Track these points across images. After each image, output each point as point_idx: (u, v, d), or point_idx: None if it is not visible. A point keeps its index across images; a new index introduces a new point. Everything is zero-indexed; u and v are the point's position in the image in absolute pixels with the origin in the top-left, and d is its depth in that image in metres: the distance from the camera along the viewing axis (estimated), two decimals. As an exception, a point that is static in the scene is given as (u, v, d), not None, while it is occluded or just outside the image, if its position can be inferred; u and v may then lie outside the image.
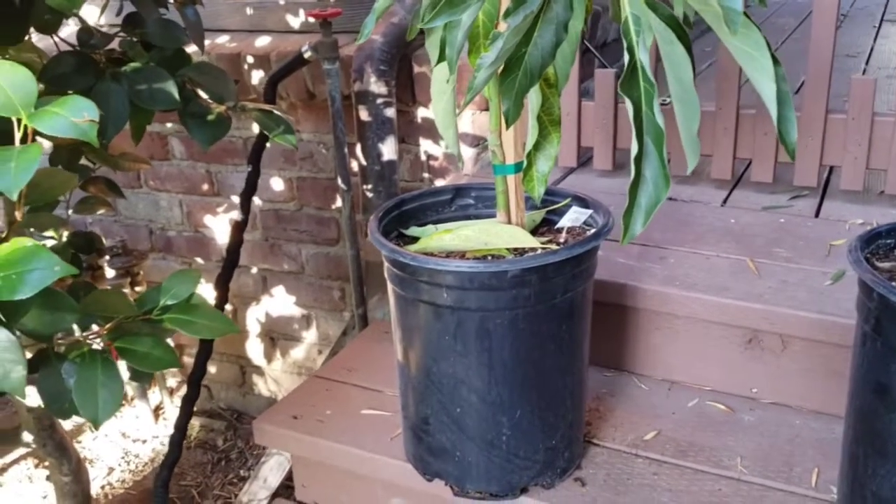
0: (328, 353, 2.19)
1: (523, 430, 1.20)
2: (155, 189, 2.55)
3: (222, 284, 1.77)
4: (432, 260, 1.11)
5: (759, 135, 1.79)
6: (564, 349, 1.20)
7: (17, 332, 0.86)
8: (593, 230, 1.23)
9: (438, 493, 1.27)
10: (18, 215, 0.86)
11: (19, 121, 0.80)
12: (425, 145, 2.12)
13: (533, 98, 1.04)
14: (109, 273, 2.55)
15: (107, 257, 2.50)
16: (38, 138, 0.88)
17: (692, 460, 1.31)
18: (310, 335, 2.50)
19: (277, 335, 2.56)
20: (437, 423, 1.22)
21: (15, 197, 0.74)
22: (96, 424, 0.97)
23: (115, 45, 1.27)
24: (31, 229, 1.00)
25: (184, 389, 2.78)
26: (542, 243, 1.19)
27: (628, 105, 0.72)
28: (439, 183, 2.14)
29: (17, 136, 0.81)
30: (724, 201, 1.79)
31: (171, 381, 2.79)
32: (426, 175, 2.15)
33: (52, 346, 1.01)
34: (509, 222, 1.23)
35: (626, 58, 0.73)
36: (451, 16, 0.74)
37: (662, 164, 0.72)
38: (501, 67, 0.93)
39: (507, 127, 0.97)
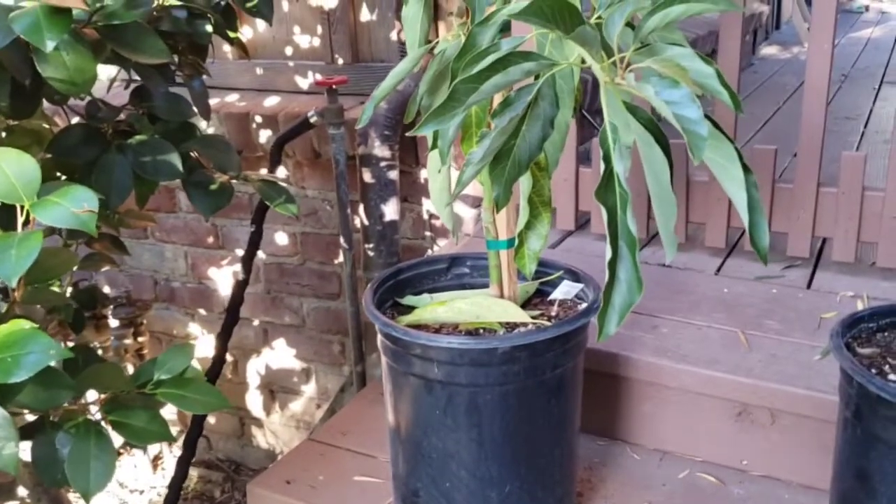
0: (326, 408, 2.20)
1: (511, 502, 1.21)
2: (161, 241, 2.59)
3: (222, 342, 1.80)
4: (423, 335, 1.13)
5: (753, 204, 1.82)
6: (554, 423, 1.21)
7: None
8: (583, 305, 1.25)
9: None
10: (17, 295, 0.89)
11: (22, 207, 0.84)
12: (427, 205, 2.15)
13: (523, 182, 1.07)
14: (113, 323, 2.58)
15: (111, 307, 2.53)
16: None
17: (681, 535, 1.32)
18: (309, 389, 2.51)
19: (277, 388, 2.57)
20: (427, 496, 1.23)
21: (14, 284, 0.77)
22: (87, 497, 0.99)
23: (122, 116, 1.32)
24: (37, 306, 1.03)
25: (183, 438, 2.80)
26: (534, 317, 1.22)
27: (603, 212, 0.75)
28: (441, 242, 2.17)
29: (20, 220, 0.84)
30: (718, 270, 1.81)
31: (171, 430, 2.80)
32: (428, 233, 2.18)
33: (48, 415, 1.03)
34: (502, 295, 1.25)
35: (602, 166, 0.76)
36: (439, 124, 0.77)
37: (636, 267, 0.74)
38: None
39: (498, 211, 1.00)
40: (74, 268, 1.75)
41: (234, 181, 1.33)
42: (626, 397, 1.53)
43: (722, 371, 1.43)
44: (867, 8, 6.56)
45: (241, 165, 1.36)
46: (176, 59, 1.34)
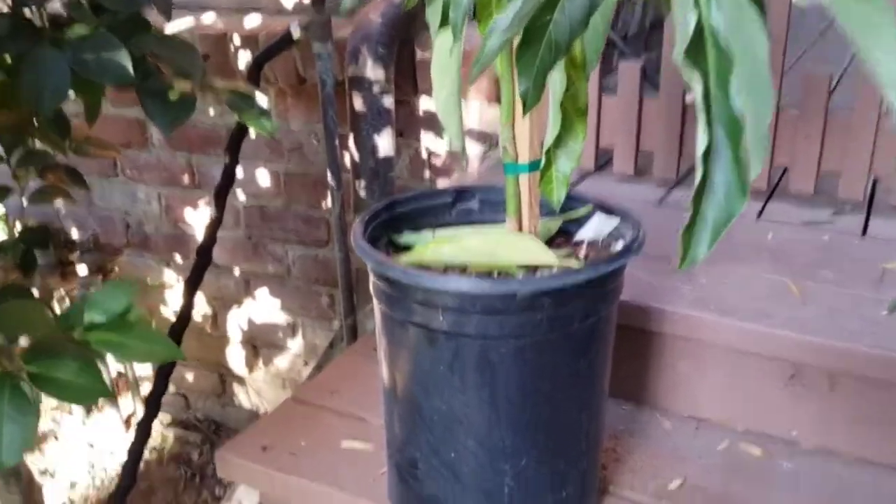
0: (314, 366, 2.00)
1: (529, 480, 1.00)
2: (132, 179, 2.36)
3: (190, 288, 1.58)
4: (427, 276, 0.91)
5: (800, 139, 1.60)
6: (581, 384, 1.00)
7: None
8: (621, 244, 1.03)
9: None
10: None
11: None
12: (427, 140, 1.93)
13: (557, 80, 0.85)
14: (81, 270, 2.36)
15: (77, 252, 2.31)
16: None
17: (725, 517, 1.12)
18: (295, 345, 2.30)
19: (260, 343, 2.37)
20: (427, 467, 1.02)
21: None
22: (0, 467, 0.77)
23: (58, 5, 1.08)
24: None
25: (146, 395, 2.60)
26: (560, 257, 1.00)
27: (695, 82, 0.52)
28: (442, 184, 1.94)
29: None
30: (759, 214, 1.59)
31: (147, 386, 2.59)
32: (427, 174, 1.96)
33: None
34: (521, 231, 1.03)
35: (690, 19, 0.54)
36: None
37: (738, 165, 0.52)
38: (518, 39, 0.74)
39: (525, 112, 0.78)
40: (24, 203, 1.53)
41: (196, 91, 1.10)
42: (658, 356, 1.32)
43: (773, 326, 1.22)
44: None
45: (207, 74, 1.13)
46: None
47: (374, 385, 1.40)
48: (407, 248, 1.10)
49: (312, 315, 2.24)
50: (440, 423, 0.98)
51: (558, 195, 0.97)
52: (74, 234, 2.45)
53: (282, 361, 2.34)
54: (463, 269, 1.00)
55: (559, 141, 0.93)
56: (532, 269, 0.99)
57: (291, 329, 2.29)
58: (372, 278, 1.03)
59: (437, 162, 1.94)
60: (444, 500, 1.03)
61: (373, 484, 1.18)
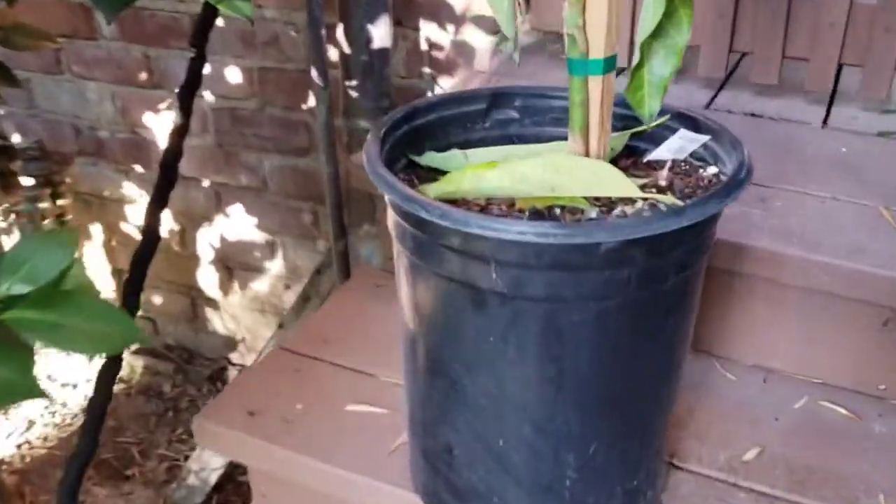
0: (299, 293, 1.76)
1: (597, 470, 0.80)
2: (80, 77, 2.04)
3: (154, 209, 1.32)
4: (476, 219, 0.67)
5: (878, 32, 1.34)
6: (666, 352, 0.78)
7: None
8: (713, 171, 0.80)
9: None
10: None
11: None
12: (427, 30, 1.64)
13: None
14: (26, 181, 2.07)
15: (20, 161, 2.02)
16: None
17: (815, 496, 0.93)
18: (274, 266, 2.06)
19: (235, 264, 2.12)
20: (467, 454, 0.81)
21: None
22: None
23: None
24: None
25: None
26: (643, 190, 0.76)
27: None
28: (444, 82, 1.66)
29: None
30: (825, 121, 1.35)
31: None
32: (427, 70, 1.68)
33: None
34: (587, 153, 0.79)
35: None
36: None
37: None
38: None
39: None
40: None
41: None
42: (723, 298, 1.11)
43: (871, 265, 1.00)
44: None
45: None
46: None
47: (378, 332, 1.18)
48: (430, 170, 0.85)
49: (293, 234, 1.99)
50: (487, 404, 0.76)
51: (651, 107, 0.72)
52: (16, 139, 2.14)
53: (260, 284, 2.10)
54: (511, 204, 0.76)
55: (659, 32, 0.67)
56: (606, 206, 0.75)
57: (270, 248, 2.04)
58: (392, 216, 0.78)
59: (440, 55, 1.65)
60: (488, 494, 0.82)
61: (388, 459, 0.97)
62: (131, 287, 1.26)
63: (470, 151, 0.87)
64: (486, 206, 0.76)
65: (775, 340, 1.10)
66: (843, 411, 1.05)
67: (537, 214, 0.73)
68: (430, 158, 0.86)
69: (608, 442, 0.78)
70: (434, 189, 0.78)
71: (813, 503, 0.92)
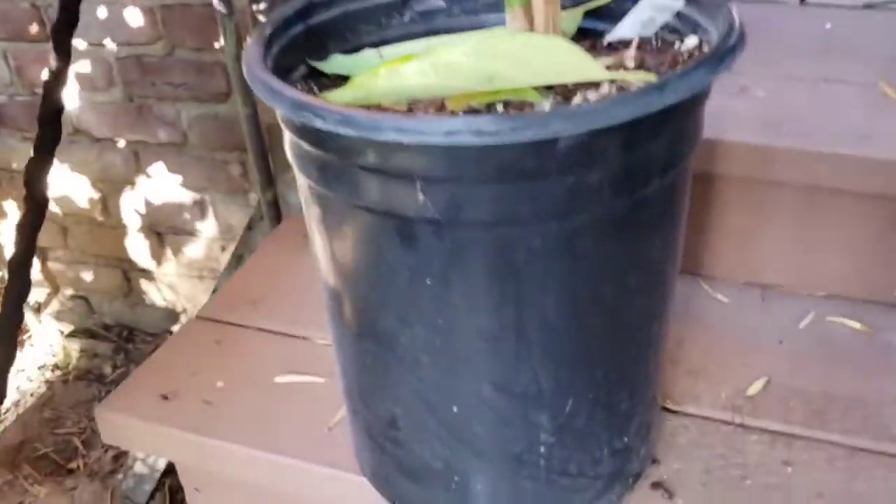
0: (231, 253, 1.58)
1: (577, 432, 0.64)
2: (-38, 35, 1.80)
3: (37, 167, 1.12)
4: (389, 120, 0.49)
5: None
6: (654, 281, 0.62)
7: None
8: (694, 41, 0.63)
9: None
10: None
11: None
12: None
13: None
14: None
15: None
16: None
17: (840, 430, 0.78)
18: (207, 227, 1.87)
19: (164, 229, 1.92)
20: (415, 427, 0.65)
21: None
22: None
23: None
24: None
25: (56, 305, 2.16)
26: (610, 70, 0.59)
27: None
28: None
29: None
30: (803, -1, 1.19)
31: (39, 293, 2.15)
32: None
33: None
34: (531, 31, 0.61)
35: None
36: None
37: None
38: None
39: None
40: None
41: None
42: (704, 207, 0.95)
43: (880, 149, 0.85)
44: None
45: None
46: None
47: (311, 288, 1.00)
48: (338, 79, 0.67)
49: (222, 189, 1.79)
50: (432, 365, 0.60)
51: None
52: None
53: (194, 249, 1.91)
54: (440, 107, 0.59)
55: None
56: (560, 97, 0.58)
57: (199, 208, 1.85)
58: (287, 136, 0.60)
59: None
60: (447, 472, 0.66)
61: (329, 437, 0.81)
62: (19, 263, 1.07)
63: (386, 49, 0.69)
64: (406, 111, 0.58)
65: (770, 252, 0.95)
66: (856, 325, 0.90)
67: (481, 113, 0.56)
68: (336, 63, 0.68)
69: (589, 397, 0.62)
70: (339, 96, 0.60)
71: (838, 440, 0.77)
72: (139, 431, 0.86)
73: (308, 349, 0.91)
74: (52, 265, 2.11)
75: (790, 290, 0.96)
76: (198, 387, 0.88)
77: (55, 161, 1.91)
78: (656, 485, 0.74)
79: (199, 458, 0.85)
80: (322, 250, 0.62)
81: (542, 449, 0.63)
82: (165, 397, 0.87)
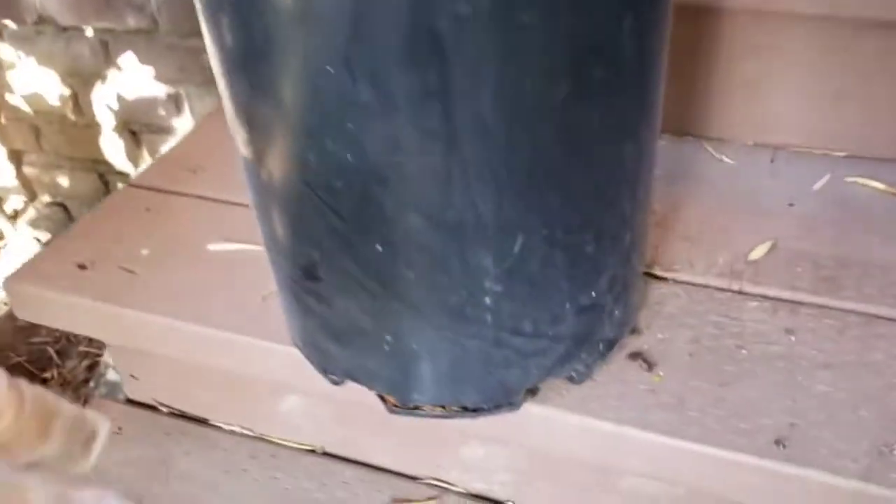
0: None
1: (530, 279, 0.52)
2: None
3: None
4: None
5: None
6: (624, 84, 0.49)
7: None
8: None
9: (363, 400, 0.62)
10: None
11: None
12: None
13: None
14: None
15: None
16: None
17: (854, 295, 0.67)
18: (182, 123, 1.75)
19: (139, 126, 1.81)
20: (336, 276, 0.54)
21: None
22: None
23: None
24: None
25: (32, 213, 2.07)
26: None
27: None
28: None
29: None
30: None
31: (16, 201, 2.06)
32: None
33: None
34: None
35: None
36: None
37: None
38: None
39: None
40: None
41: None
42: (703, 58, 0.81)
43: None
44: None
45: None
46: None
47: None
48: None
49: (197, 81, 1.67)
50: (344, 186, 0.48)
51: None
52: None
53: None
54: None
55: None
56: None
57: (174, 103, 1.73)
58: None
59: None
60: (377, 332, 0.55)
61: (261, 308, 0.70)
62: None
63: None
64: None
65: (782, 107, 0.82)
66: (880, 186, 0.77)
67: None
68: None
69: (542, 234, 0.51)
70: None
71: (850, 306, 0.66)
72: (52, 303, 0.76)
73: (246, 216, 0.80)
74: (27, 170, 2.01)
75: (805, 151, 0.83)
76: (120, 255, 0.77)
77: (22, 55, 1.80)
78: (635, 355, 0.63)
79: (117, 332, 0.75)
80: (211, 39, 0.50)
81: (489, 300, 0.52)
82: (82, 266, 0.76)
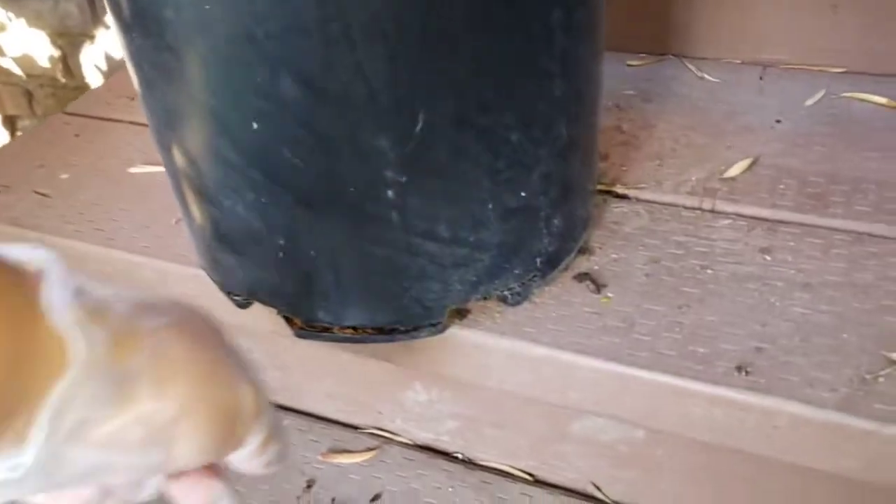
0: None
1: (440, 172, 0.45)
2: None
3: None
4: None
5: None
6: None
7: None
8: None
9: (278, 330, 0.55)
10: None
11: None
12: None
13: None
14: None
15: None
16: None
17: (843, 212, 0.58)
18: (169, 81, 1.69)
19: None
20: (215, 164, 0.46)
21: None
22: None
23: None
24: None
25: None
26: None
27: None
28: None
29: None
30: None
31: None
32: None
33: None
34: None
35: None
36: None
37: None
38: None
39: None
40: None
41: None
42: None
43: None
44: None
45: None
46: None
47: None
48: None
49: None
50: (209, 50, 0.41)
51: None
52: None
53: (160, 109, 1.74)
54: None
55: None
56: None
57: (162, 62, 1.67)
58: None
59: None
60: (270, 236, 0.48)
61: (173, 231, 0.63)
62: None
63: None
64: None
65: (773, 20, 0.73)
66: (879, 99, 0.68)
67: None
68: None
69: (452, 113, 0.43)
70: None
71: (843, 224, 0.57)
72: (-37, 230, 0.69)
73: (175, 137, 0.73)
74: (22, 137, 1.97)
75: (799, 68, 0.74)
76: (37, 179, 0.71)
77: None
78: (582, 276, 0.55)
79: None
80: None
81: (391, 193, 0.44)
82: (6, 185, 0.70)
